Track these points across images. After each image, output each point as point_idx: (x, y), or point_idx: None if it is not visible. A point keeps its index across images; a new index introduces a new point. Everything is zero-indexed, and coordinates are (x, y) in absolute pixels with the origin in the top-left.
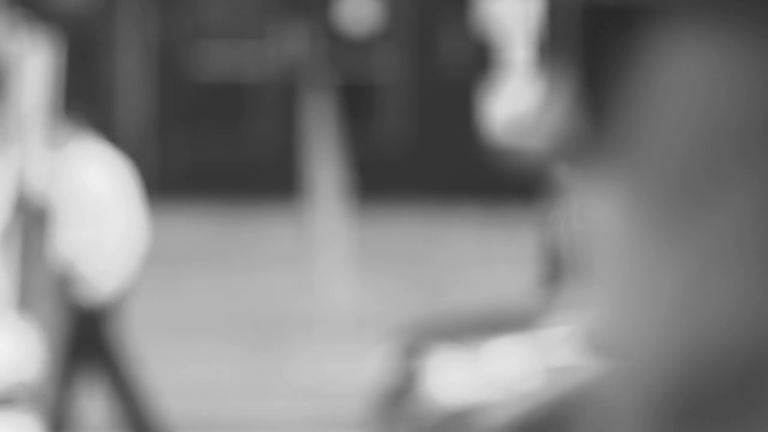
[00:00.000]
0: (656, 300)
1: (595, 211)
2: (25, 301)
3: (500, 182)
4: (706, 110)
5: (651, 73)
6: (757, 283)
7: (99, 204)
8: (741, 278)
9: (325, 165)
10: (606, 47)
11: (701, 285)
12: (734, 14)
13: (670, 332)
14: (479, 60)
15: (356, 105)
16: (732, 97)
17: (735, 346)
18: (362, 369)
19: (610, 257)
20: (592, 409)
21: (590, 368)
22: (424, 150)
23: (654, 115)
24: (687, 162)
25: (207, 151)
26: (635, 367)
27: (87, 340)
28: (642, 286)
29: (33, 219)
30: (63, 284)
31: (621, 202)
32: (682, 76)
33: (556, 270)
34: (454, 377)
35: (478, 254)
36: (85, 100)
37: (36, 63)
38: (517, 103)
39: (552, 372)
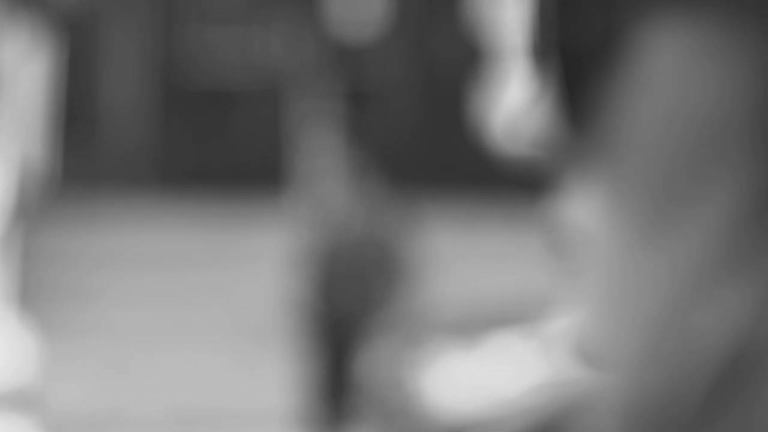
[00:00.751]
0: (640, 305)
1: (578, 214)
2: (25, 300)
3: (498, 177)
4: (688, 107)
5: (631, 70)
6: (739, 283)
7: None
8: (723, 279)
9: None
10: (585, 45)
11: (685, 287)
12: (715, 9)
13: (652, 337)
14: (473, 62)
15: (352, 109)
16: (714, 93)
17: (715, 349)
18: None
19: (594, 261)
20: (585, 424)
21: (584, 379)
22: (423, 150)
23: (634, 113)
24: (668, 159)
25: (199, 153)
26: (618, 379)
27: None
28: (626, 291)
29: (34, 218)
30: None
31: (604, 203)
32: (664, 74)
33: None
34: (451, 373)
35: (478, 249)
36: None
37: (36, 64)
38: (509, 106)
39: (551, 380)
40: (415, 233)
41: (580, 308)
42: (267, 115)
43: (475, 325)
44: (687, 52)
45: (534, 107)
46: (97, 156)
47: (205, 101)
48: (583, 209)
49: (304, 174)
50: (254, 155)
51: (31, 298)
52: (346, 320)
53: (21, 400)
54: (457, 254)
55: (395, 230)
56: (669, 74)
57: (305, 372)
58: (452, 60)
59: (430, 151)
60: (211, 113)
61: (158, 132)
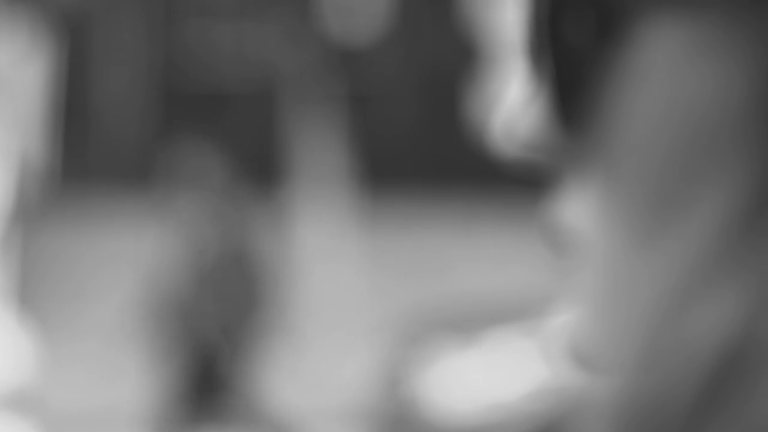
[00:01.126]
0: (633, 306)
1: (574, 215)
2: (24, 300)
3: (498, 175)
4: (683, 106)
5: (625, 70)
6: (733, 284)
7: None
8: (717, 280)
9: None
10: (579, 44)
11: (679, 289)
12: (711, 8)
13: (645, 339)
14: (470, 62)
15: (353, 115)
16: (709, 92)
17: (708, 351)
18: (354, 360)
19: (588, 262)
20: (580, 427)
21: (580, 382)
22: (423, 150)
23: (628, 113)
24: (662, 160)
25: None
26: (611, 381)
27: None
28: (619, 292)
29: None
30: None
31: (599, 204)
32: (658, 73)
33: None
34: (451, 375)
35: (478, 247)
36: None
37: (35, 63)
38: (507, 107)
39: (550, 383)
40: (284, 240)
41: (574, 309)
42: (264, 115)
43: (475, 322)
44: (682, 51)
45: (530, 108)
46: (94, 154)
47: (204, 100)
48: (579, 210)
49: (169, 183)
50: (250, 155)
51: (30, 297)
52: (209, 331)
53: (20, 401)
54: (456, 252)
55: (259, 240)
56: (664, 73)
57: (166, 377)
58: (450, 60)
59: (430, 152)
60: (208, 112)
61: (156, 130)
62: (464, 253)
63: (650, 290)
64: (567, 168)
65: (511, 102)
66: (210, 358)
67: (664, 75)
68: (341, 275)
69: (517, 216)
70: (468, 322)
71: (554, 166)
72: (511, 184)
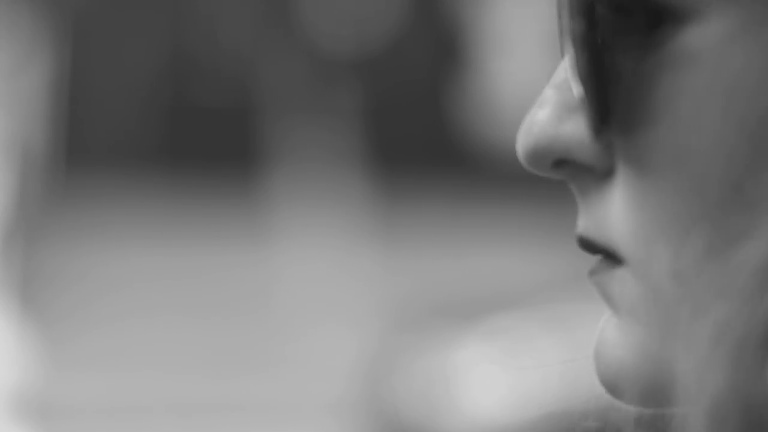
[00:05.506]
0: (686, 336)
1: (610, 230)
2: (26, 298)
3: (476, 163)
4: (742, 93)
5: (669, 67)
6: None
7: None
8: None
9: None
10: (627, 36)
11: (750, 308)
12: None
13: (695, 365)
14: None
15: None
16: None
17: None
18: (341, 348)
19: (630, 281)
20: None
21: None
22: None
23: (680, 105)
24: (724, 155)
25: (206, 141)
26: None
27: None
28: (670, 320)
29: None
30: None
31: (641, 217)
32: (711, 59)
33: None
34: (447, 360)
35: (473, 231)
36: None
37: (40, 56)
38: (535, 124)
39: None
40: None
41: (609, 329)
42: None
43: (473, 306)
44: (737, 33)
45: (565, 124)
46: (97, 147)
47: (211, 93)
48: (616, 224)
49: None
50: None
51: (32, 293)
52: None
53: (21, 401)
54: (453, 235)
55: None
56: (717, 58)
57: None
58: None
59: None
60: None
61: (163, 121)
62: (463, 241)
63: (713, 310)
64: (598, 180)
65: (541, 121)
66: None
67: (717, 60)
68: (342, 269)
69: (516, 205)
70: (466, 307)
71: (587, 180)
72: (513, 173)
